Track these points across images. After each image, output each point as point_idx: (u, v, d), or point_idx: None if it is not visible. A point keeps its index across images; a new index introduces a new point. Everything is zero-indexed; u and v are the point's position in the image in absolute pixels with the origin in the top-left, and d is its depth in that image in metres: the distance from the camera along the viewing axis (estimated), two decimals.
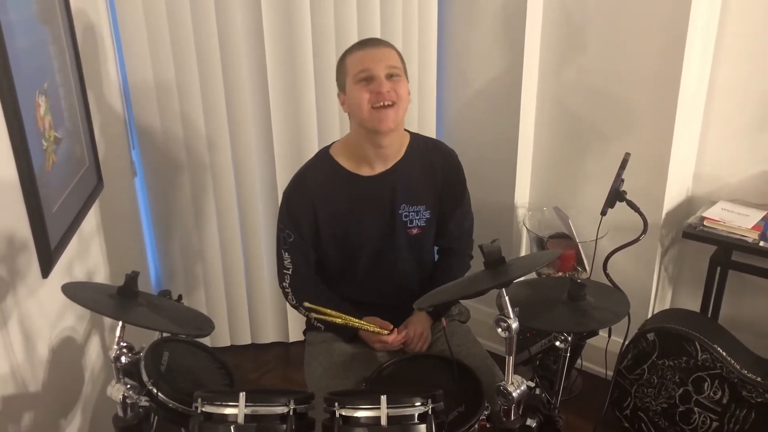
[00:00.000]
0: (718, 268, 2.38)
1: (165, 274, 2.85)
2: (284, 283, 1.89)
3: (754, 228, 2.18)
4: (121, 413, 1.47)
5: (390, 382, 1.68)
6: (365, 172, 1.81)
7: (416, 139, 1.87)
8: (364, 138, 1.75)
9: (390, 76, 1.66)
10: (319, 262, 1.91)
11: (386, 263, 1.87)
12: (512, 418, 1.43)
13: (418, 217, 1.84)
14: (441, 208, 1.89)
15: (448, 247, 1.99)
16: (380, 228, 1.83)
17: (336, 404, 1.32)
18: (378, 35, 2.53)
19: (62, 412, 1.81)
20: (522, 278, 1.55)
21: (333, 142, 1.89)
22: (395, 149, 1.81)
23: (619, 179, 2.04)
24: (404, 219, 1.84)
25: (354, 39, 2.46)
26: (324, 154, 1.86)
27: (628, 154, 2.05)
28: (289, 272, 1.86)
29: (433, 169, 1.86)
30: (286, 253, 1.85)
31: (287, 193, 1.84)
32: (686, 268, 2.62)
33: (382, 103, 1.65)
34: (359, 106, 1.67)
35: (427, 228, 1.87)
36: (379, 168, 1.81)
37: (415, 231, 1.85)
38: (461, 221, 1.95)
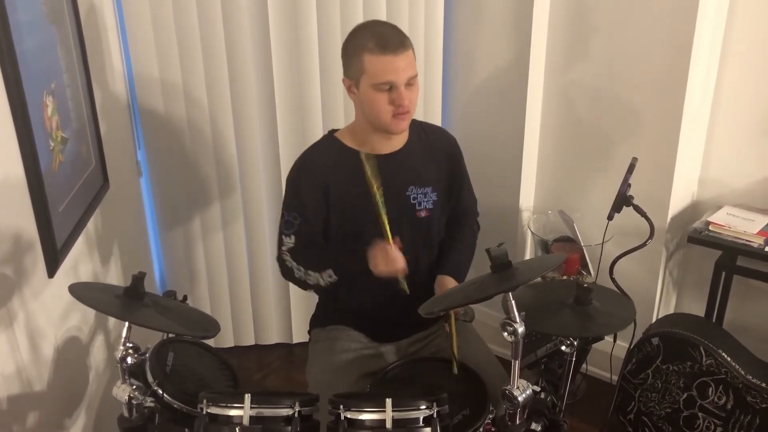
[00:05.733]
0: (723, 273, 2.37)
1: (169, 274, 2.85)
2: (285, 260, 1.80)
3: (759, 233, 2.18)
4: (126, 414, 1.47)
5: (395, 385, 1.68)
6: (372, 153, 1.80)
7: (417, 124, 1.89)
8: (372, 128, 1.76)
9: (409, 85, 1.67)
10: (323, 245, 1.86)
11: None
12: (517, 422, 1.43)
13: (426, 200, 1.84)
14: (448, 192, 1.90)
15: (455, 221, 2.00)
16: (388, 210, 1.79)
17: (341, 407, 1.32)
18: None
19: (67, 411, 1.81)
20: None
21: (335, 129, 1.89)
22: (402, 135, 1.83)
23: (626, 184, 2.03)
24: (412, 201, 1.83)
25: None
26: (329, 137, 1.85)
27: (635, 159, 2.04)
28: (291, 249, 1.80)
29: (438, 152, 1.88)
30: (289, 238, 1.79)
31: (293, 176, 1.81)
32: (691, 273, 2.61)
33: (400, 112, 1.68)
34: (378, 112, 1.68)
35: (435, 211, 1.86)
36: (386, 150, 1.81)
37: (423, 214, 1.84)
38: (466, 202, 1.99)
